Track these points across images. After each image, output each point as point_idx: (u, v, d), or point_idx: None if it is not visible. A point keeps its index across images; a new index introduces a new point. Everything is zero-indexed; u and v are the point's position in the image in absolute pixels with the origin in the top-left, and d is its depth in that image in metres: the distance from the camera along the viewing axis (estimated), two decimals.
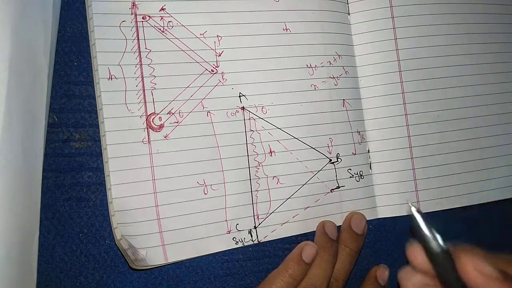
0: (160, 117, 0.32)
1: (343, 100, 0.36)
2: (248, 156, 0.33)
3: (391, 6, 0.37)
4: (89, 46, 0.31)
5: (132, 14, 0.32)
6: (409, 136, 0.37)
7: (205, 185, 0.32)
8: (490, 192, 0.39)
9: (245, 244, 0.33)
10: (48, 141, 0.30)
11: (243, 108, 0.34)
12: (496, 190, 0.39)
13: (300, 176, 0.35)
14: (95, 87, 0.31)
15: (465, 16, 0.39)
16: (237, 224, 0.33)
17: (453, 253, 0.20)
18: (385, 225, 0.37)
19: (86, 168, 0.31)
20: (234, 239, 0.33)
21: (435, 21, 0.38)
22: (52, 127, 0.31)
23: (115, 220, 0.30)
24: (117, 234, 0.29)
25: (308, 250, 0.32)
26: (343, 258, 0.34)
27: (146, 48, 0.32)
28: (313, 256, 0.32)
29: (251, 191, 0.33)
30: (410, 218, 0.22)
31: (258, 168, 0.34)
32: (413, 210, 0.22)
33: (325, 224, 0.34)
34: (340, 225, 0.35)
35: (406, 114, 0.37)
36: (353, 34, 0.37)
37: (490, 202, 0.39)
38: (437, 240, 0.21)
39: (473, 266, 0.20)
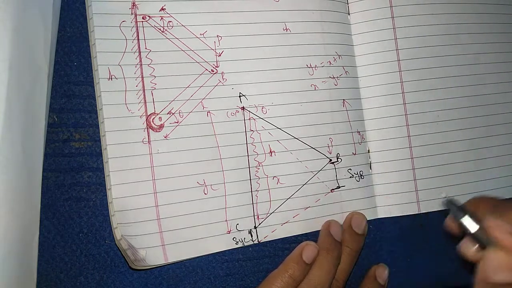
0: (160, 117, 0.32)
1: (343, 100, 0.36)
2: (248, 156, 0.33)
3: (391, 6, 0.37)
4: (89, 46, 0.31)
5: (132, 14, 0.32)
6: (409, 136, 0.37)
7: (205, 185, 0.32)
8: (490, 192, 0.39)
9: (245, 244, 0.33)
10: (48, 141, 0.30)
11: (243, 108, 0.34)
12: (496, 190, 0.39)
13: (300, 176, 0.35)
14: (95, 87, 0.31)
15: (465, 16, 0.39)
16: (237, 224, 0.33)
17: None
18: (385, 225, 0.37)
19: (86, 168, 0.31)
20: (234, 239, 0.33)
21: (435, 21, 0.38)
22: (52, 127, 0.31)
23: (115, 220, 0.30)
24: (117, 234, 0.29)
25: (308, 250, 0.32)
26: (344, 258, 0.34)
27: (146, 48, 0.32)
28: (314, 257, 0.32)
29: (251, 191, 0.33)
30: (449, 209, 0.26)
31: (258, 168, 0.34)
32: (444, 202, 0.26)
33: (330, 224, 0.34)
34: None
35: (406, 114, 0.37)
36: (353, 34, 0.37)
37: None
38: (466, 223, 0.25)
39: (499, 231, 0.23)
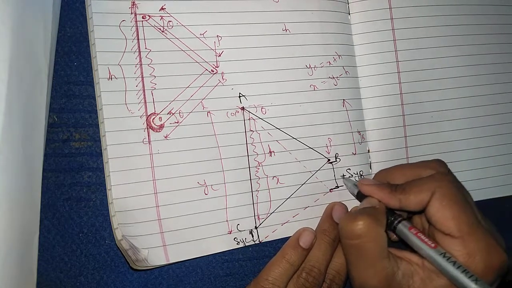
0: (160, 117, 0.32)
1: (343, 100, 0.36)
2: (248, 156, 0.33)
3: (390, 8, 0.38)
4: (89, 46, 0.31)
5: (132, 13, 0.31)
6: (405, 137, 0.37)
7: (206, 186, 0.32)
8: (486, 190, 0.39)
9: (246, 244, 0.33)
10: (48, 141, 0.30)
11: (243, 108, 0.34)
12: (492, 188, 0.39)
13: (299, 176, 0.35)
14: (95, 87, 0.31)
15: (464, 17, 0.39)
16: (238, 224, 0.33)
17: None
18: None
19: (86, 168, 0.31)
20: (235, 239, 0.33)
21: (433, 23, 0.39)
22: (52, 127, 0.31)
23: (115, 220, 0.30)
24: (118, 234, 0.29)
25: (305, 235, 0.32)
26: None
27: (146, 48, 0.32)
28: (311, 242, 0.32)
29: (252, 191, 0.33)
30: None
31: (258, 168, 0.34)
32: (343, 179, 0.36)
33: (334, 206, 0.34)
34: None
35: (403, 115, 0.37)
36: (353, 34, 0.37)
37: (486, 199, 0.39)
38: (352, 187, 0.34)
39: (362, 183, 0.33)
